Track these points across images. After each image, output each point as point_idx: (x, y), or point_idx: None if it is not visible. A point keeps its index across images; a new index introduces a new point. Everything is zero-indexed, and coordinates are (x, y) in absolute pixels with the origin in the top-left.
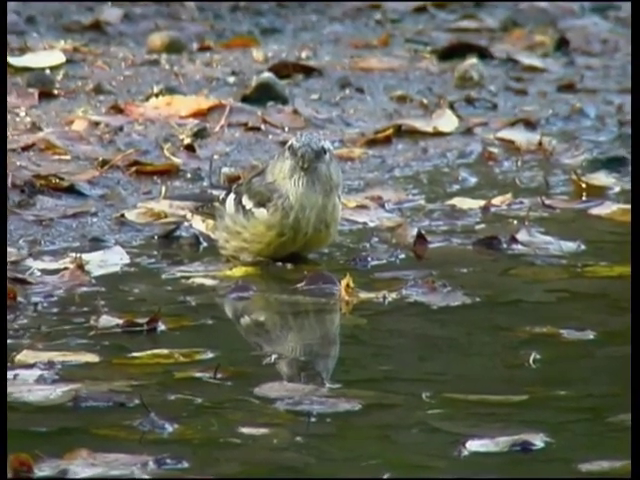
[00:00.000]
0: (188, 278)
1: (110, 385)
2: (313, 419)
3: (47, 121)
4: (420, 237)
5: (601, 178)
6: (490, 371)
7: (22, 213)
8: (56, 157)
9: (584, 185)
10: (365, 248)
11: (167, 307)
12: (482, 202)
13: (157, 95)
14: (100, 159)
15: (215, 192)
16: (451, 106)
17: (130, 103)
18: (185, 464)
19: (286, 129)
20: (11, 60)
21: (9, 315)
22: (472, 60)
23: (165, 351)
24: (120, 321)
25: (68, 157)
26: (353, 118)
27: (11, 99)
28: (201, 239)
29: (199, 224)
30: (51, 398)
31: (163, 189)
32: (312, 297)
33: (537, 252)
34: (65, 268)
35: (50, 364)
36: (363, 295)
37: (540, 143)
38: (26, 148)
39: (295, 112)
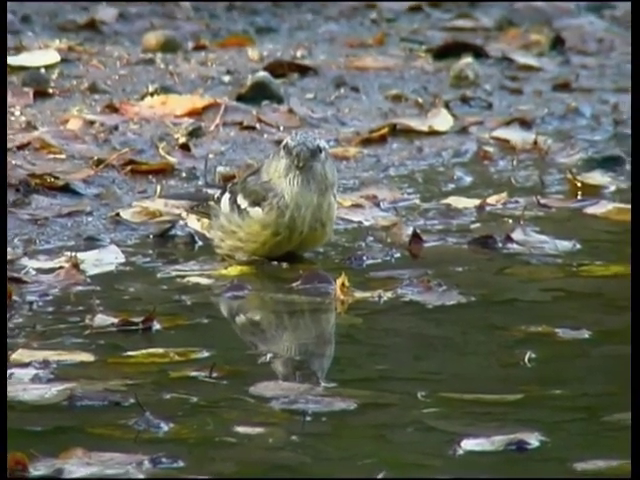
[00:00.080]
0: (183, 277)
1: (105, 384)
2: (308, 418)
3: (42, 120)
4: (415, 236)
5: (596, 177)
6: (485, 370)
7: (17, 212)
8: (51, 156)
9: (579, 184)
10: (360, 247)
11: (162, 306)
12: (477, 201)
13: (152, 94)
14: (95, 158)
15: (210, 191)
16: (446, 105)
17: (125, 102)
18: (180, 463)
19: (281, 128)
20: None
21: None
22: (467, 59)
23: (160, 350)
24: (115, 320)
25: (63, 156)
26: (348, 117)
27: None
28: (196, 238)
29: (194, 223)
30: (46, 397)
31: (158, 188)
32: (307, 296)
33: (532, 251)
34: (60, 267)
35: (45, 363)
36: (358, 294)
37: (535, 142)
38: (21, 147)
39: (290, 111)
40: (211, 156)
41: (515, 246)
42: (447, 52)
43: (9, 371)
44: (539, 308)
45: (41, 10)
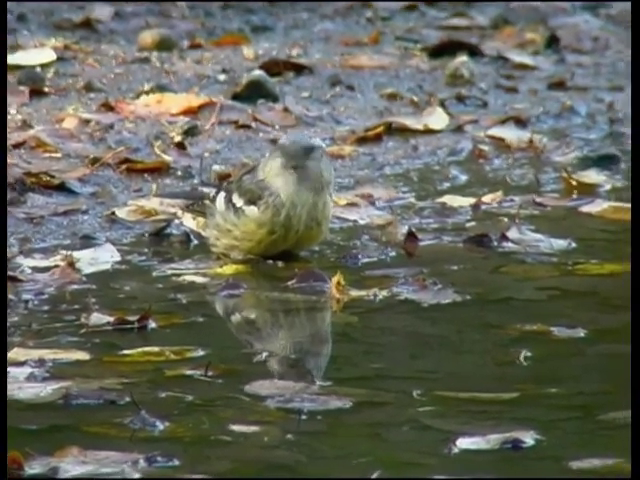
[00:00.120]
0: (179, 276)
1: (101, 383)
2: (304, 417)
3: (38, 119)
4: (410, 235)
5: (592, 176)
6: (481, 369)
7: (13, 211)
8: (47, 155)
9: (575, 183)
10: (356, 246)
11: (158, 305)
12: (472, 200)
13: (148, 93)
14: (91, 157)
15: (206, 190)
16: (441, 104)
17: (121, 101)
18: (176, 462)
19: (277, 127)
20: None
21: None
22: (463, 58)
23: (156, 349)
24: (111, 319)
25: (59, 155)
26: (343, 116)
27: None
28: (192, 237)
29: (190, 222)
30: (42, 396)
31: (154, 187)
32: (303, 295)
33: (528, 250)
34: (56, 266)
35: (41, 362)
36: (354, 293)
37: (531, 141)
38: (17, 146)
39: (286, 110)
40: (206, 155)
41: (510, 245)
42: (442, 51)
43: None
44: (534, 307)
45: (37, 9)
